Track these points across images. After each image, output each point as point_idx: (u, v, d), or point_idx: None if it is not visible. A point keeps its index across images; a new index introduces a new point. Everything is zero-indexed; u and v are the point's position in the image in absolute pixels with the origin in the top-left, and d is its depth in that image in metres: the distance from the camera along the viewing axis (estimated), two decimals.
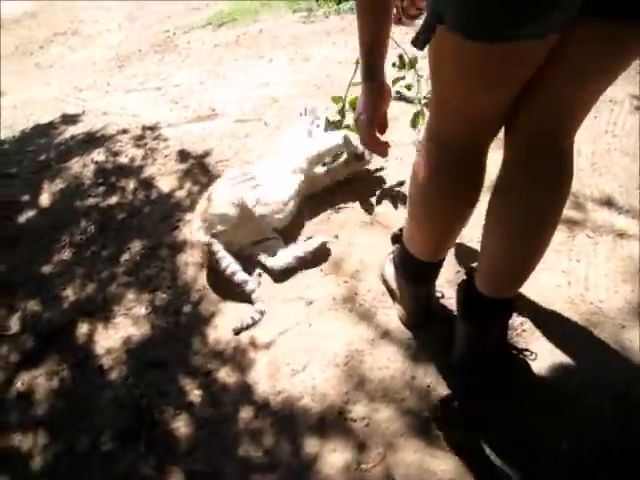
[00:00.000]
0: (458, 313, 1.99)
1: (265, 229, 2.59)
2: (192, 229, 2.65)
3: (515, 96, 1.53)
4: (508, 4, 1.26)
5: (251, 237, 2.58)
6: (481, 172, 1.74)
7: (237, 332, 2.30)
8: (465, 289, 1.94)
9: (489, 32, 1.33)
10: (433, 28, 1.43)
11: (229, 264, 2.45)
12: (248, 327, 2.31)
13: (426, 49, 1.51)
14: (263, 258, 2.53)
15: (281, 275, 2.50)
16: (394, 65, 2.93)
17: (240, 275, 2.44)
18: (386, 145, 1.81)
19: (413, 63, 2.84)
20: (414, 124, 2.95)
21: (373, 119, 1.75)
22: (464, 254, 2.42)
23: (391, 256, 2.25)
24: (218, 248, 2.47)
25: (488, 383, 2.00)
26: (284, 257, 2.51)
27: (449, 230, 1.89)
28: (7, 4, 7.29)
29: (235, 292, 2.44)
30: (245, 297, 2.42)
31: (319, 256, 2.53)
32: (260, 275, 2.50)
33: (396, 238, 2.28)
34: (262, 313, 2.34)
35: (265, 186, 2.61)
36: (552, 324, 2.14)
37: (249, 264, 2.54)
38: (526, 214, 1.69)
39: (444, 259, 2.08)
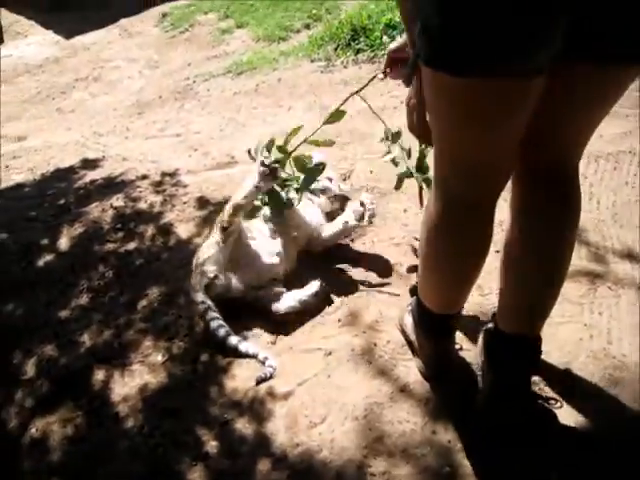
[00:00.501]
0: (484, 359, 1.97)
1: (263, 276, 2.59)
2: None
3: (515, 144, 1.55)
4: (490, 40, 1.29)
5: (249, 281, 2.57)
6: (490, 224, 1.71)
7: (258, 382, 2.28)
8: (491, 333, 1.94)
9: (474, 67, 1.34)
10: (414, 63, 1.50)
11: (226, 336, 2.44)
12: (266, 379, 2.29)
13: None
14: (266, 302, 2.53)
15: (285, 317, 2.51)
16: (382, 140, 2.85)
17: (241, 345, 2.41)
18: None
19: (395, 137, 2.72)
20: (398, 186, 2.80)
21: (424, 102, 1.66)
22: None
23: (409, 308, 2.24)
24: (212, 316, 2.47)
25: (513, 429, 1.96)
26: (288, 301, 2.52)
27: (462, 282, 1.86)
28: (30, 49, 7.44)
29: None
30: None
31: (321, 299, 2.54)
32: (278, 325, 2.48)
33: (414, 290, 2.27)
34: (274, 368, 2.32)
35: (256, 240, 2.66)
36: (574, 379, 2.11)
37: (252, 309, 2.54)
38: (543, 240, 1.71)
39: (461, 311, 2.05)
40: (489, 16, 1.27)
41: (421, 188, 2.67)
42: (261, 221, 2.74)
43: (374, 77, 2.24)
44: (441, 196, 1.69)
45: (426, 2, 1.35)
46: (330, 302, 2.56)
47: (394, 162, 2.72)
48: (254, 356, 2.37)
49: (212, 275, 2.52)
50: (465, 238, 1.71)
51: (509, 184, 1.72)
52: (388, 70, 2.03)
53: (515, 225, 1.77)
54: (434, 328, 2.05)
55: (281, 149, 2.54)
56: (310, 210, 2.84)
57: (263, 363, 2.34)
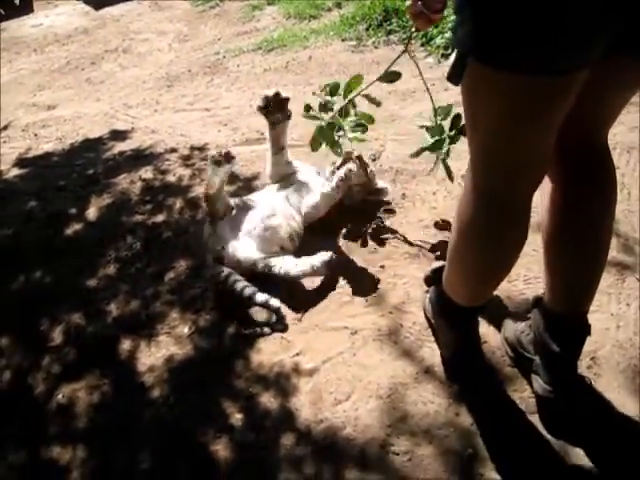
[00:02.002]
0: (538, 345, 1.96)
1: (268, 241, 2.65)
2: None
3: (555, 137, 1.57)
4: (547, 38, 1.30)
5: (257, 250, 2.63)
6: (527, 222, 1.72)
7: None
8: (545, 316, 1.93)
9: (528, 63, 1.35)
10: (464, 60, 1.45)
11: (243, 287, 2.49)
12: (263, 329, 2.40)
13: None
14: (277, 268, 2.56)
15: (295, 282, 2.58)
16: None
17: (259, 296, 2.47)
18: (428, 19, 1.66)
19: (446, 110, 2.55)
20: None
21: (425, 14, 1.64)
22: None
23: (429, 296, 2.23)
24: (227, 272, 2.54)
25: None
26: (298, 265, 2.56)
27: (494, 278, 1.86)
28: (60, 19, 7.45)
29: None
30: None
31: (332, 270, 2.56)
32: (305, 301, 2.49)
33: (430, 279, 2.27)
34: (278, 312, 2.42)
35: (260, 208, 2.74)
36: (600, 367, 2.11)
37: (264, 277, 2.58)
38: (585, 215, 1.75)
39: (483, 307, 2.05)
40: (554, 15, 1.27)
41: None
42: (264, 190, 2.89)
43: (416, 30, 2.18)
44: (479, 193, 1.68)
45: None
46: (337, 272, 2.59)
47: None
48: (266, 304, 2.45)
49: (218, 249, 2.57)
50: (503, 234, 1.71)
51: None
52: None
53: (552, 207, 1.79)
54: (458, 319, 2.04)
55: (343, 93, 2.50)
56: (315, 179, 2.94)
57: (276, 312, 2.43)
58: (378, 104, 2.52)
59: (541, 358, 1.94)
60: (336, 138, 2.46)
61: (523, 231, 1.72)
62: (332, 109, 2.53)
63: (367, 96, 2.47)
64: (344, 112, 2.52)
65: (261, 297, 2.46)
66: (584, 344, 1.93)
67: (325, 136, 2.43)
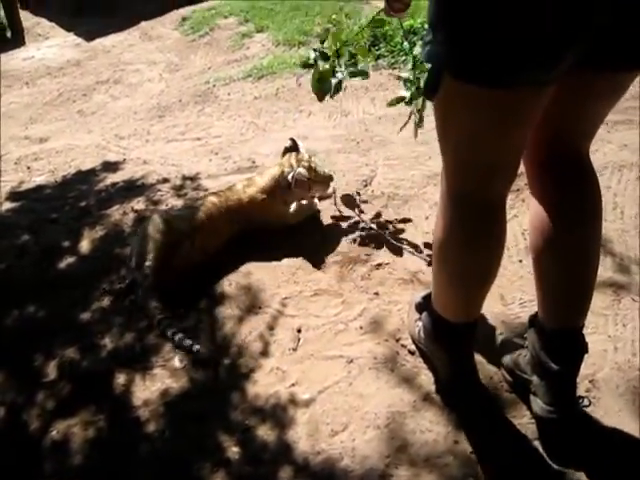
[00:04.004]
0: (536, 365, 1.95)
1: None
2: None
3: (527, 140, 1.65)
4: (516, 51, 1.36)
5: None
6: (504, 220, 1.78)
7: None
8: (539, 334, 1.93)
9: (499, 78, 1.42)
10: (438, 75, 1.50)
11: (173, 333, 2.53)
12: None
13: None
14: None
15: None
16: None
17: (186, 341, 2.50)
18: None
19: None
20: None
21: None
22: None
23: (420, 324, 2.22)
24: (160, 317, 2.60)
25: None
26: None
27: (480, 283, 1.87)
28: (51, 51, 7.48)
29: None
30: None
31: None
32: (299, 331, 2.48)
33: (420, 307, 2.26)
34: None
35: None
36: (599, 390, 2.10)
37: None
38: (568, 226, 1.78)
39: (477, 321, 2.04)
40: (525, 29, 1.33)
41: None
42: None
43: None
44: (455, 202, 1.74)
45: (463, 16, 1.39)
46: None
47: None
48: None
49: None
50: (481, 233, 1.75)
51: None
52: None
53: (537, 221, 1.82)
54: (451, 338, 2.03)
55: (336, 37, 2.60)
56: None
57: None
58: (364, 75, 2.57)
59: (539, 378, 1.93)
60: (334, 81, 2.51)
61: (501, 228, 1.77)
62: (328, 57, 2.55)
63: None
64: (338, 55, 2.56)
65: (187, 342, 2.48)
66: (582, 362, 1.92)
67: (324, 83, 2.52)
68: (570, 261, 1.82)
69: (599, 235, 1.85)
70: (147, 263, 2.72)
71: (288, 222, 2.98)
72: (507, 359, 2.16)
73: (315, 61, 2.53)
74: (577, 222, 1.78)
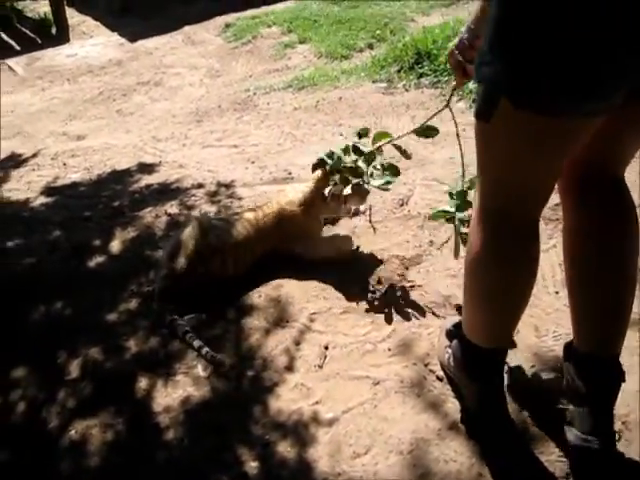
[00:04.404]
0: (572, 392, 1.92)
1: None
2: None
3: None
4: (580, 83, 1.38)
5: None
6: (537, 240, 1.76)
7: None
8: (575, 360, 1.90)
9: (561, 107, 1.43)
10: (496, 100, 1.49)
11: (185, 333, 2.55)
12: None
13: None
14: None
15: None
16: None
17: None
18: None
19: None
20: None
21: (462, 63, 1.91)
22: None
23: (449, 351, 2.18)
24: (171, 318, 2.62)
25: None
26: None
27: (512, 305, 1.84)
28: (95, 50, 7.55)
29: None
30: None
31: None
32: (326, 348, 2.44)
33: (450, 334, 2.22)
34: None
35: None
36: (632, 432, 2.03)
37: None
38: (604, 248, 1.77)
39: (507, 350, 2.02)
40: (595, 59, 1.35)
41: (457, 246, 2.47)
42: None
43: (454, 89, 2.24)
44: (488, 220, 1.73)
45: (530, 44, 1.39)
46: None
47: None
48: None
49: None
50: (515, 255, 1.73)
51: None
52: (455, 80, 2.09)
53: (571, 245, 1.85)
54: (481, 366, 1.99)
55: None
56: None
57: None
58: (408, 157, 2.54)
59: (575, 406, 1.89)
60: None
61: (534, 248, 1.75)
62: (361, 152, 2.55)
63: (398, 147, 2.48)
64: (369, 158, 2.54)
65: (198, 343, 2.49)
66: (619, 389, 1.87)
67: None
68: (607, 284, 1.80)
69: (636, 259, 1.80)
70: (173, 265, 2.72)
71: (318, 251, 2.92)
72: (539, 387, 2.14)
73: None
74: (613, 246, 1.77)
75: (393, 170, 2.62)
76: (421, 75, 5.18)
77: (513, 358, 2.22)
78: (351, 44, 6.32)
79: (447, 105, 2.28)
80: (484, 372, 2.00)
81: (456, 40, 2.01)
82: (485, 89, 1.53)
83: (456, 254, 2.45)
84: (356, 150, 2.62)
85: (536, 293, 2.50)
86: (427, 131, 2.46)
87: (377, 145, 2.58)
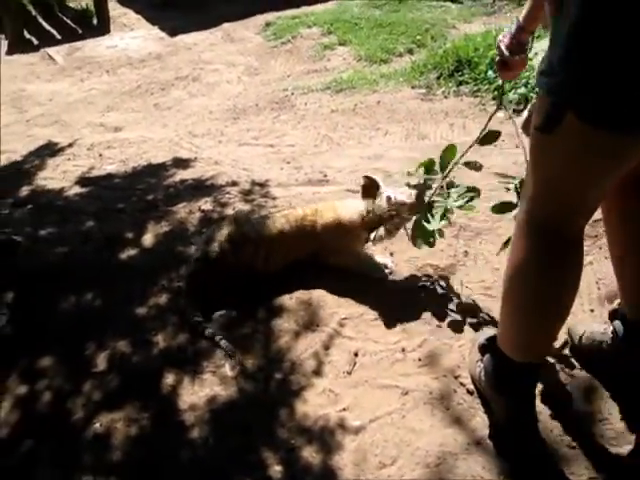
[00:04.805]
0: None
1: None
2: None
3: None
4: None
5: None
6: (581, 254, 1.75)
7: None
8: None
9: (633, 126, 1.42)
10: (562, 114, 1.48)
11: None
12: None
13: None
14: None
15: None
16: None
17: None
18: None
19: None
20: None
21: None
22: None
23: (481, 365, 2.15)
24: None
25: None
26: None
27: (552, 318, 1.83)
28: (134, 43, 7.59)
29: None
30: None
31: None
32: (356, 355, 2.41)
33: (483, 348, 2.18)
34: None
35: None
36: None
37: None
38: None
39: (541, 365, 2.01)
40: None
41: None
42: None
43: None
44: (534, 232, 1.72)
45: (605, 61, 1.39)
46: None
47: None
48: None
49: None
50: (558, 267, 1.73)
51: None
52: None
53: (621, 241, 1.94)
54: (514, 381, 1.96)
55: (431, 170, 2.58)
56: None
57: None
58: (479, 168, 2.50)
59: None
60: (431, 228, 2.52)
61: (577, 262, 1.75)
62: (430, 187, 2.50)
63: (467, 163, 2.45)
64: (445, 188, 2.50)
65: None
66: None
67: (422, 232, 2.55)
68: None
69: None
70: (207, 249, 2.75)
71: (356, 264, 2.86)
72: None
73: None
74: None
75: (473, 191, 2.57)
76: (461, 83, 5.14)
77: (546, 375, 2.18)
78: (391, 48, 6.30)
79: (500, 105, 2.27)
80: (516, 387, 1.97)
81: (504, 36, 2.07)
82: (551, 102, 1.52)
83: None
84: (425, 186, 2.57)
85: (572, 309, 2.48)
86: (489, 137, 2.42)
87: (448, 170, 2.54)
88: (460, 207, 2.54)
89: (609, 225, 2.00)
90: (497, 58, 2.14)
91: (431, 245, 2.59)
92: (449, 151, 2.50)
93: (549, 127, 1.52)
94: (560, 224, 1.69)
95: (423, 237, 2.58)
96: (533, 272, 1.75)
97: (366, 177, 2.78)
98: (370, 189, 2.75)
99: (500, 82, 2.21)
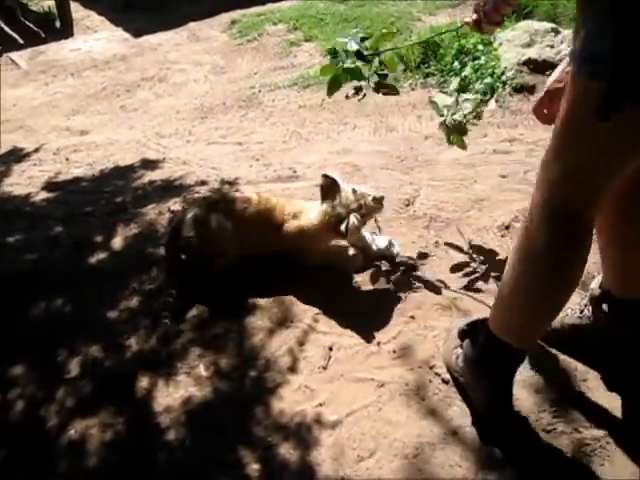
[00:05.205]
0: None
1: None
2: None
3: None
4: None
5: None
6: (591, 240, 1.76)
7: None
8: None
9: None
10: (622, 102, 1.47)
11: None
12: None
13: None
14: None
15: None
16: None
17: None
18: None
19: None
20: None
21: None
22: None
23: (459, 351, 2.15)
24: None
25: None
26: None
27: (558, 305, 1.86)
28: (99, 45, 7.52)
29: None
30: None
31: None
32: (331, 349, 2.41)
33: (463, 334, 2.18)
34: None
35: None
36: None
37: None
38: None
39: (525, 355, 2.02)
40: None
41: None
42: None
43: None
44: (552, 210, 1.72)
45: None
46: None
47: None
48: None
49: None
50: (573, 253, 1.74)
51: None
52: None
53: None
54: (501, 364, 1.98)
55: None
56: None
57: None
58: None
59: None
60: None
61: (589, 247, 1.75)
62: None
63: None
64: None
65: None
66: None
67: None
68: None
69: None
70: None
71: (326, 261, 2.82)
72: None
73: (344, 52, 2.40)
74: None
75: (391, 63, 2.49)
76: (427, 75, 5.16)
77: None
78: None
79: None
80: (500, 371, 1.99)
81: None
82: (607, 88, 1.49)
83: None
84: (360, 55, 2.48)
85: None
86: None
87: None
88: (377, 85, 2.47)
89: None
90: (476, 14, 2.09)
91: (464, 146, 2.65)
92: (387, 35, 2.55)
93: (607, 114, 1.50)
94: (578, 209, 1.70)
95: (458, 133, 2.60)
96: (547, 259, 1.76)
97: (325, 176, 2.75)
98: (331, 188, 2.72)
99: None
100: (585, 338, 2.22)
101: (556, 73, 1.92)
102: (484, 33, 2.16)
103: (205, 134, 4.68)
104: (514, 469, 1.94)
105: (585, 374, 2.19)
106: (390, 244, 2.83)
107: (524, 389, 2.15)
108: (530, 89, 4.59)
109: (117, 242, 3.19)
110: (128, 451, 2.15)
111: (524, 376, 2.17)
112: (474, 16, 2.08)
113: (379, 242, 2.83)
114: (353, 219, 2.60)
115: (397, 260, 2.79)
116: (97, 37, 7.92)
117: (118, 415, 2.26)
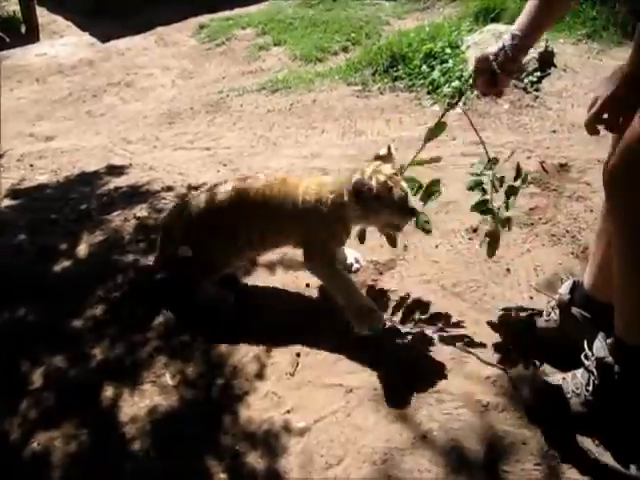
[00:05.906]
0: None
1: None
2: None
3: None
4: None
5: None
6: None
7: None
8: None
9: None
10: None
11: None
12: None
13: None
14: None
15: None
16: None
17: None
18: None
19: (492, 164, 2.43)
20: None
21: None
22: None
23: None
24: None
25: None
26: None
27: None
28: (65, 50, 7.44)
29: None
30: None
31: None
32: (298, 355, 2.38)
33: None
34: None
35: None
36: None
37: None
38: None
39: None
40: None
41: (496, 236, 2.35)
42: None
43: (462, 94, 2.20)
44: None
45: None
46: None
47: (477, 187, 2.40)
48: None
49: None
50: None
51: None
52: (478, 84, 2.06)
53: None
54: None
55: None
56: None
57: None
58: (438, 160, 2.52)
59: None
60: None
61: None
62: None
63: (421, 162, 2.43)
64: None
65: None
66: None
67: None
68: None
69: None
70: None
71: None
72: None
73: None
74: None
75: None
76: (396, 78, 5.15)
77: None
78: (325, 47, 6.29)
79: (455, 104, 2.24)
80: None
81: (494, 47, 1.98)
82: None
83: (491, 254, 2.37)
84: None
85: (511, 298, 2.49)
86: (437, 129, 2.37)
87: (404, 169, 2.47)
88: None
89: None
90: (474, 69, 2.08)
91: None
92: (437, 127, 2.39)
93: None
94: None
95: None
96: None
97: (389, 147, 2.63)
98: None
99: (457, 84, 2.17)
100: (551, 341, 2.21)
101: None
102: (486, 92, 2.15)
103: (172, 139, 4.64)
104: (484, 476, 1.92)
105: None
106: (355, 260, 2.82)
107: None
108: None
109: (82, 249, 3.15)
110: (93, 463, 2.10)
111: None
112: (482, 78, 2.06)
113: (346, 254, 2.81)
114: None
115: None
116: (63, 42, 7.84)
117: (82, 426, 2.22)
